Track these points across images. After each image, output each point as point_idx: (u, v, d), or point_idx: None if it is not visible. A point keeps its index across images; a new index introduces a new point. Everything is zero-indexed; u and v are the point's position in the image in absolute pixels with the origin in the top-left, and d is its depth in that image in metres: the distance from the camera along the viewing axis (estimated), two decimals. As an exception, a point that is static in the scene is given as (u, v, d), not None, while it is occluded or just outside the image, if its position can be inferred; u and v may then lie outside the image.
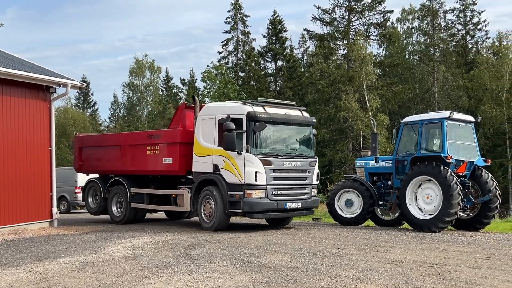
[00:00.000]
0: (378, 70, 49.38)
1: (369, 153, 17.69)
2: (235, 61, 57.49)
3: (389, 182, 15.71)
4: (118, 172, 16.81)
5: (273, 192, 13.53)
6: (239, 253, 10.05)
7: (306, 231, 14.22)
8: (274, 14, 55.75)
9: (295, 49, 58.18)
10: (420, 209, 14.36)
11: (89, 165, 17.89)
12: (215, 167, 13.74)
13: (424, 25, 53.05)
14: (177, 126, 15.62)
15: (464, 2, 52.21)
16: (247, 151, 13.26)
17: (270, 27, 55.56)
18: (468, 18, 52.58)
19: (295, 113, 14.51)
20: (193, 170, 14.40)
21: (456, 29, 53.20)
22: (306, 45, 57.15)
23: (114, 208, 16.85)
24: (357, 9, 49.10)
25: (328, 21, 49.74)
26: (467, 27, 52.71)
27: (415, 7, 53.70)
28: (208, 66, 57.21)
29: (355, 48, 44.55)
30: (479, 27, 52.27)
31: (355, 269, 8.59)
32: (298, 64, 55.75)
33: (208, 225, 14.00)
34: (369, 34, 49.64)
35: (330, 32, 49.80)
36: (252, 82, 54.78)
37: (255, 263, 9.01)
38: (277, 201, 13.61)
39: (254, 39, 57.84)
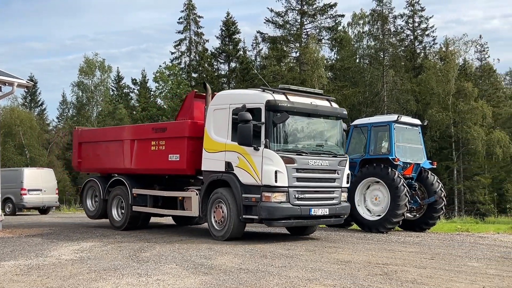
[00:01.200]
0: (329, 73, 50.09)
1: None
2: (188, 61, 57.10)
3: (339, 184, 15.93)
4: (120, 170, 14.97)
5: (296, 196, 11.47)
6: (189, 255, 9.99)
7: (257, 232, 14.26)
8: (227, 16, 55.62)
9: (248, 51, 58.28)
10: (368, 210, 14.70)
11: (89, 163, 16.06)
12: (228, 165, 11.82)
13: (374, 30, 54.04)
14: (185, 118, 13.64)
15: (413, 8, 53.52)
16: (265, 147, 11.27)
17: (223, 28, 55.37)
18: (416, 24, 53.91)
19: (322, 103, 12.45)
20: (202, 169, 12.48)
21: (405, 34, 54.45)
22: (259, 47, 57.28)
23: (114, 212, 14.87)
24: (310, 13, 49.80)
25: (281, 24, 50.28)
26: (415, 33, 54.01)
27: (366, 12, 54.69)
28: (160, 66, 56.63)
29: (308, 51, 45.11)
30: (427, 32, 53.67)
31: (304, 269, 8.67)
32: (251, 66, 55.88)
33: (219, 234, 12.03)
34: (321, 37, 50.44)
35: (283, 35, 50.32)
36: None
37: (205, 265, 8.97)
38: (300, 206, 11.51)
39: (207, 40, 57.73)
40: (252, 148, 11.35)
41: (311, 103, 12.12)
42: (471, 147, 46.59)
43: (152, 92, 56.66)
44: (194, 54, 57.02)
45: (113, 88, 62.97)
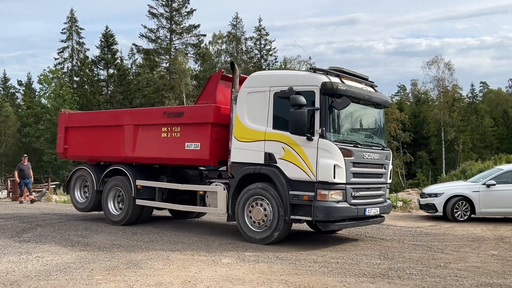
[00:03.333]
0: (194, 81, 49.96)
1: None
2: (70, 67, 53.81)
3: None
4: (118, 159, 11.16)
5: (352, 194, 8.30)
6: (68, 235, 9.42)
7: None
8: (106, 29, 53.25)
9: (125, 60, 56.10)
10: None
11: (77, 150, 12.00)
12: (269, 156, 8.49)
13: (230, 48, 55.01)
14: (209, 102, 9.91)
15: (260, 33, 55.28)
16: (321, 137, 8.08)
17: (102, 39, 52.81)
18: (262, 45, 55.76)
19: (370, 89, 9.28)
20: (232, 160, 9.01)
21: (254, 53, 56.07)
22: (134, 57, 55.35)
23: (110, 205, 11.09)
24: (177, 31, 49.34)
25: (153, 38, 49.28)
26: (262, 52, 55.80)
27: (223, 33, 55.45)
28: (44, 70, 52.64)
29: (176, 63, 44.67)
30: (270, 53, 55.70)
31: (168, 243, 8.60)
32: (128, 73, 53.86)
33: (259, 236, 8.58)
34: (187, 52, 50.12)
35: (155, 48, 49.30)
36: (86, 86, 51.73)
37: (82, 243, 8.53)
38: (357, 206, 8.38)
39: (88, 49, 54.94)
40: (305, 138, 8.13)
41: (362, 88, 8.97)
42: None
43: (36, 93, 52.65)
44: (76, 60, 53.81)
45: (0, 88, 57.71)
